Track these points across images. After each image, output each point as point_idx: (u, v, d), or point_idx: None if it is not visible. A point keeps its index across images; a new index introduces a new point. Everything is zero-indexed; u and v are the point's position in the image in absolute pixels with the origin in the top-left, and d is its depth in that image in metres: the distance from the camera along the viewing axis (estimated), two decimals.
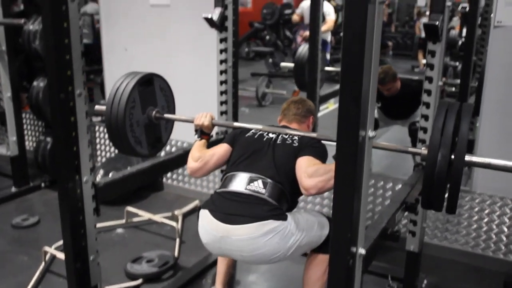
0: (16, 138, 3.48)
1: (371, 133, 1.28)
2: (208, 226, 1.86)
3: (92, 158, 1.93)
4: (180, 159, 2.33)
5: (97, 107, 2.07)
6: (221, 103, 2.72)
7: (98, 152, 4.17)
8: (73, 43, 1.74)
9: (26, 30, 3.31)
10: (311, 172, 1.80)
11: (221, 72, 2.68)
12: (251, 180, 1.89)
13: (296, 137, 2.00)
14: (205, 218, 1.89)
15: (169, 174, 3.83)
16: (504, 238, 2.73)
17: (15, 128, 3.45)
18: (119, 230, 3.22)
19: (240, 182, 1.90)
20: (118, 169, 3.47)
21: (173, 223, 3.08)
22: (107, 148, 4.13)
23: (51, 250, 2.70)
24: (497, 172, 2.59)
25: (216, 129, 2.51)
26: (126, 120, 1.97)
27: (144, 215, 3.23)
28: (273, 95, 6.60)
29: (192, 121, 2.14)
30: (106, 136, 4.08)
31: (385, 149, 1.73)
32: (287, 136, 2.02)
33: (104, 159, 4.08)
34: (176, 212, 3.32)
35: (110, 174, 3.29)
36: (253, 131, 2.10)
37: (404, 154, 2.65)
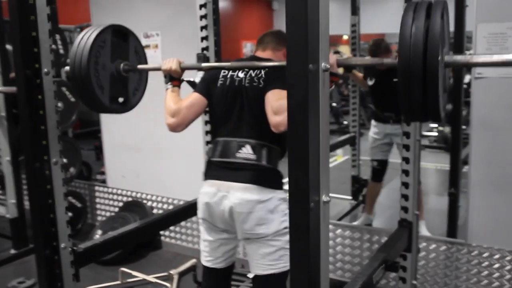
0: (16, 201, 3.53)
1: (325, 197, 1.28)
2: (211, 188, 1.98)
3: (69, 225, 1.94)
4: (165, 220, 2.34)
5: None
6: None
7: (98, 212, 4.20)
8: (48, 114, 1.81)
9: None
10: (276, 108, 1.80)
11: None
12: (239, 147, 1.96)
13: (262, 73, 1.97)
14: (208, 182, 2.01)
15: (167, 233, 3.83)
16: None
17: (14, 191, 3.51)
18: None
19: (230, 150, 1.97)
20: (115, 229, 3.48)
21: (167, 284, 3.05)
22: (107, 208, 4.16)
23: None
24: (492, 223, 2.59)
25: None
26: (91, 55, 1.90)
27: (139, 275, 3.21)
28: None
29: (159, 69, 2.08)
30: (106, 195, 4.14)
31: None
32: (254, 74, 1.98)
33: (104, 218, 4.11)
34: (172, 272, 3.29)
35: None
36: (222, 74, 2.05)
37: None
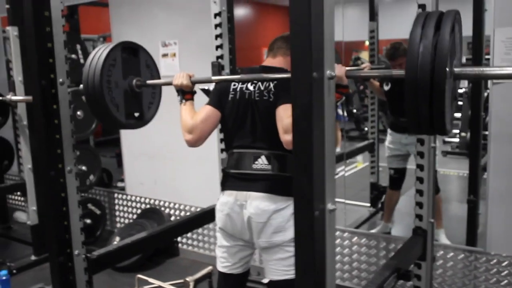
0: (36, 208, 3.60)
1: (331, 206, 1.27)
2: (230, 197, 2.00)
3: (83, 232, 1.97)
4: (176, 229, 2.35)
5: None
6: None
7: (117, 218, 4.26)
8: (63, 123, 1.85)
9: None
10: (286, 126, 1.83)
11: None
12: (254, 158, 1.99)
13: (271, 86, 1.98)
14: (226, 193, 2.03)
15: (184, 240, 3.85)
16: None
17: (35, 198, 3.58)
18: None
19: (246, 162, 2.00)
20: (132, 235, 3.51)
21: None
22: (126, 215, 4.21)
23: None
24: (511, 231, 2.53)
25: None
26: (103, 75, 1.94)
27: (155, 282, 3.22)
28: None
29: (171, 83, 2.10)
30: (124, 202, 4.19)
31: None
32: (264, 87, 1.99)
33: (122, 225, 4.15)
34: (188, 279, 3.30)
35: None
36: (233, 87, 2.05)
37: None
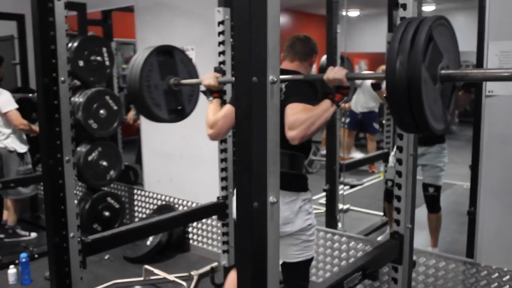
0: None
1: (272, 199, 1.40)
2: None
3: (78, 216, 2.16)
4: (170, 222, 2.52)
5: None
6: None
7: (135, 213, 4.49)
8: (63, 117, 2.05)
9: (72, 102, 3.75)
10: (291, 123, 1.95)
11: None
12: None
13: (283, 87, 2.14)
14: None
15: (195, 236, 4.02)
16: None
17: None
18: (137, 287, 3.41)
19: None
20: None
21: (184, 283, 3.22)
22: (143, 210, 4.43)
23: None
24: (502, 243, 2.54)
25: None
26: (142, 81, 2.23)
27: (161, 274, 3.41)
28: (320, 163, 6.68)
29: (200, 83, 2.36)
30: (142, 198, 4.41)
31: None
32: None
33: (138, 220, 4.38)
34: (192, 273, 3.46)
35: None
36: None
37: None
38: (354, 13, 10.17)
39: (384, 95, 3.55)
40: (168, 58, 2.37)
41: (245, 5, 1.27)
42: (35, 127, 4.03)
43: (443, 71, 1.55)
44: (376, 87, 3.63)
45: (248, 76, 1.29)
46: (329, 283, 1.73)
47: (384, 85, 3.74)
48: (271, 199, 1.39)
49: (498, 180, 2.57)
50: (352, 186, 5.74)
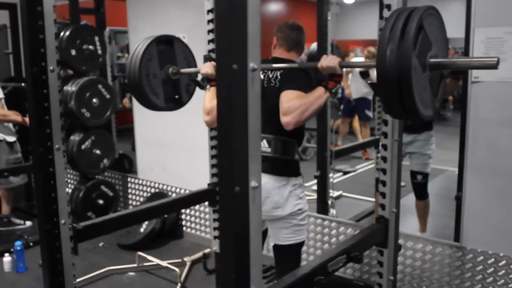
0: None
1: (254, 183, 1.43)
2: None
3: (69, 204, 2.20)
4: (161, 208, 2.56)
5: None
6: None
7: (129, 201, 4.54)
8: (52, 106, 2.07)
9: (64, 91, 3.78)
10: (285, 109, 2.07)
11: None
12: None
13: (278, 74, 2.24)
14: None
15: (188, 223, 4.07)
16: None
17: None
18: (131, 273, 3.47)
19: None
20: None
21: (176, 269, 3.28)
22: (137, 198, 4.48)
23: None
24: (487, 227, 2.59)
25: None
26: (142, 70, 2.28)
27: (154, 260, 3.47)
28: (314, 150, 6.72)
29: (199, 71, 2.42)
30: (136, 186, 4.46)
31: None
32: (272, 76, 2.26)
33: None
34: (185, 259, 3.53)
35: None
36: None
37: None
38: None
39: (369, 81, 3.60)
40: (168, 48, 2.42)
41: None
42: (15, 117, 4.08)
43: (432, 60, 1.59)
44: (364, 75, 3.66)
45: (228, 64, 1.32)
46: (313, 266, 1.77)
47: (374, 72, 3.78)
48: (252, 183, 1.42)
49: (484, 164, 2.61)
50: (345, 173, 5.81)
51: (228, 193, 1.38)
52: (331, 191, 3.69)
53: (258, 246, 1.47)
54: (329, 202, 3.77)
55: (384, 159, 2.24)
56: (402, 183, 4.05)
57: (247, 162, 1.40)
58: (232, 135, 1.35)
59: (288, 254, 2.40)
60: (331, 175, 3.67)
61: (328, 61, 1.95)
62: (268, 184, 2.24)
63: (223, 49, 1.33)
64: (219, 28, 1.33)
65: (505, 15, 2.46)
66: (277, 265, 2.46)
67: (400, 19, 1.52)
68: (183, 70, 2.46)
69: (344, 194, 4.95)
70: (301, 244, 2.41)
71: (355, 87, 6.38)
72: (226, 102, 1.34)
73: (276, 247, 2.42)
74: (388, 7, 2.06)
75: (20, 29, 2.06)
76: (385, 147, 2.23)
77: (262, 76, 2.29)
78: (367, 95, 6.30)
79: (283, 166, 2.28)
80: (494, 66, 1.56)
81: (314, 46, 3.77)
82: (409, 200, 3.91)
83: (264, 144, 2.25)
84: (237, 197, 1.38)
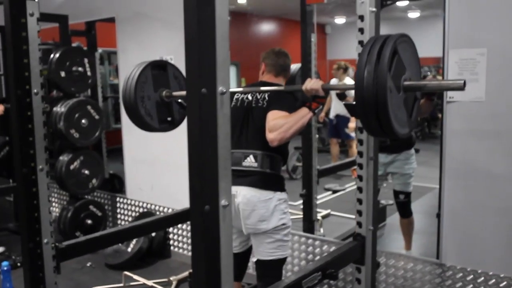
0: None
1: (224, 202, 1.49)
2: None
3: (51, 223, 2.24)
4: (145, 227, 2.60)
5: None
6: None
7: (118, 221, 4.56)
8: (36, 128, 2.14)
9: (53, 112, 3.85)
10: (271, 127, 2.26)
11: None
12: (244, 157, 2.39)
13: (266, 96, 2.42)
14: None
15: (175, 243, 4.10)
16: None
17: None
18: None
19: (237, 160, 2.38)
20: None
21: None
22: (125, 217, 4.50)
23: None
24: (466, 243, 2.64)
25: None
26: (137, 92, 2.36)
27: (140, 280, 3.49)
28: None
29: None
30: (124, 206, 4.49)
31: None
32: (260, 97, 2.42)
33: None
34: (171, 278, 3.55)
35: None
36: (235, 97, 2.51)
37: None
38: (340, 20, 10.28)
39: (344, 103, 3.69)
40: (162, 71, 2.52)
41: (193, 21, 1.37)
42: None
43: (406, 82, 1.70)
44: (341, 96, 3.75)
45: (198, 88, 1.39)
46: (287, 283, 1.82)
47: (351, 93, 3.86)
48: (223, 202, 1.47)
49: (460, 181, 2.67)
50: (334, 192, 5.85)
51: (198, 212, 1.43)
52: (318, 210, 3.73)
53: (229, 264, 1.52)
54: (317, 220, 3.81)
55: (360, 177, 2.30)
56: (390, 202, 4.16)
57: (217, 181, 1.46)
58: (202, 155, 1.41)
59: (271, 270, 2.46)
60: (322, 194, 3.71)
61: (312, 84, 2.10)
62: (254, 197, 2.35)
63: (193, 73, 1.39)
64: (189, 53, 1.40)
65: (477, 36, 2.54)
66: (259, 280, 2.51)
67: (377, 44, 1.64)
68: (175, 93, 2.54)
69: (333, 212, 4.98)
70: (283, 260, 2.48)
71: (334, 105, 6.54)
72: (196, 125, 1.40)
73: (258, 262, 2.48)
74: (361, 30, 2.15)
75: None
76: (360, 165, 2.29)
77: (250, 98, 2.45)
78: (346, 113, 6.37)
79: (269, 180, 2.39)
80: (461, 88, 1.64)
81: (294, 68, 3.86)
82: (396, 218, 3.96)
83: (251, 159, 2.38)
84: (207, 215, 1.43)
